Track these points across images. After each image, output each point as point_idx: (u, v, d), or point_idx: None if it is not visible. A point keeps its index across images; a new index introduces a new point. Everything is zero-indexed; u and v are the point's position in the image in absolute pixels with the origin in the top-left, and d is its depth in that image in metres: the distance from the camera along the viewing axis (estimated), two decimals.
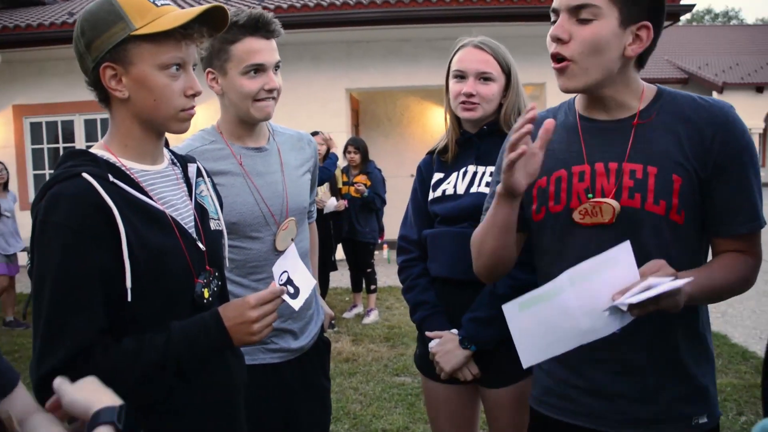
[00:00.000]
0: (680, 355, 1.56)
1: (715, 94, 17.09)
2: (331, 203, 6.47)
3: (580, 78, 1.47)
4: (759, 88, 20.52)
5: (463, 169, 2.18)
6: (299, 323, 2.15)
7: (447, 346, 2.08)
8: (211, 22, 1.43)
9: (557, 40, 1.46)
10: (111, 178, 1.34)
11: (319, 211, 6.35)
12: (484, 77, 2.10)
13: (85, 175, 1.30)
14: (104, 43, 1.35)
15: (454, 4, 8.92)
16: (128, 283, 1.29)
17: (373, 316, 6.60)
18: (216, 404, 1.48)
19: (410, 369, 4.91)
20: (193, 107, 1.46)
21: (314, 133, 6.62)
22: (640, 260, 1.35)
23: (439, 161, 2.27)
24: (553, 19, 1.50)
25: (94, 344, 1.28)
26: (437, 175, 2.25)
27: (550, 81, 9.66)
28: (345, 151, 6.79)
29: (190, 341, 1.35)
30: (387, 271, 8.57)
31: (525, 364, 1.46)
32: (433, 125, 12.31)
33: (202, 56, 2.01)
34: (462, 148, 2.21)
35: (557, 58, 1.48)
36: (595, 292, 1.34)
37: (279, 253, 2.06)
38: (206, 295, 1.44)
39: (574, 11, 1.44)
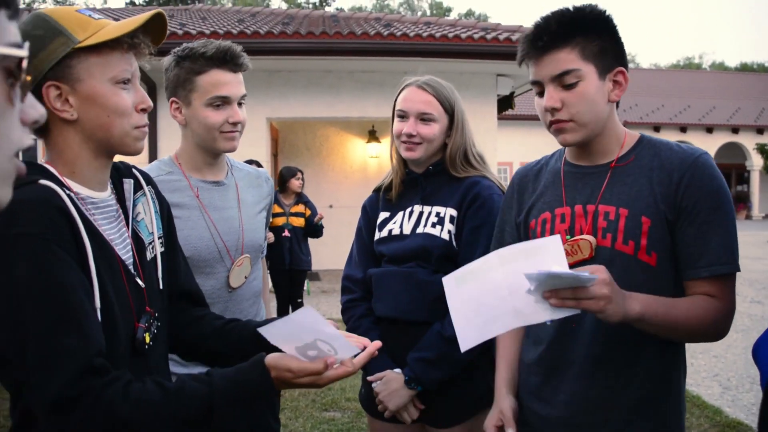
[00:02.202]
0: (647, 387, 1.58)
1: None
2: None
3: (579, 132, 1.58)
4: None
5: (409, 209, 2.19)
6: None
7: (391, 386, 2.07)
8: (153, 34, 1.34)
9: (552, 110, 1.56)
10: (66, 191, 1.21)
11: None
12: (425, 118, 2.11)
13: (43, 181, 1.18)
14: (44, 61, 1.22)
15: (378, 38, 9.04)
16: (97, 302, 1.17)
17: None
18: None
19: (339, 403, 4.86)
20: (146, 124, 1.36)
21: (250, 162, 6.63)
22: None
23: (384, 200, 2.28)
24: (536, 90, 1.60)
25: (100, 366, 1.13)
26: (383, 215, 2.25)
27: (468, 116, 9.86)
28: (292, 177, 6.74)
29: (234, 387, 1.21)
30: (308, 302, 8.47)
31: (463, 348, 1.50)
32: (353, 157, 12.38)
33: (166, 85, 1.97)
34: (407, 187, 2.22)
35: (555, 123, 1.58)
36: (522, 274, 1.35)
37: (232, 290, 2.01)
38: (147, 339, 1.32)
39: (558, 79, 1.55)
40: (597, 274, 1.35)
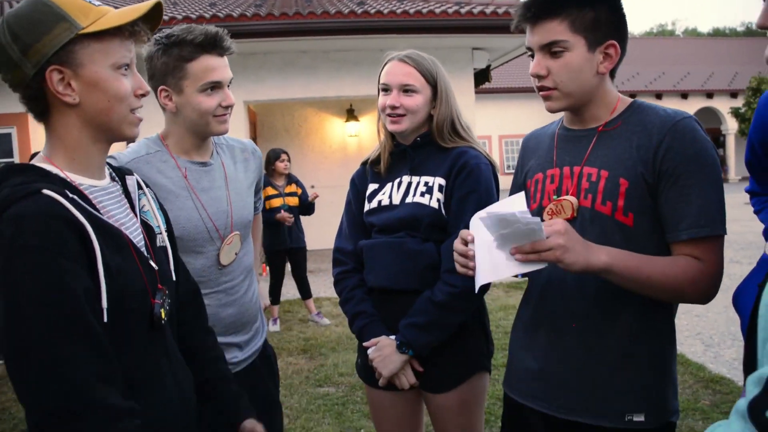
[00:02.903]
0: (625, 345, 1.63)
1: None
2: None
3: (563, 100, 1.65)
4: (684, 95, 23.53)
5: (397, 180, 2.23)
6: (244, 336, 2.15)
7: (384, 351, 2.12)
8: (150, 21, 1.39)
9: (537, 76, 1.64)
10: (69, 195, 1.24)
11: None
12: (407, 89, 2.15)
13: (45, 191, 1.20)
14: (47, 46, 1.26)
15: (352, 17, 9.01)
16: (104, 303, 1.22)
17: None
18: (169, 427, 1.41)
19: (332, 379, 4.94)
20: (140, 108, 1.41)
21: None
22: None
23: (373, 172, 2.32)
24: (528, 54, 1.69)
25: (111, 379, 1.19)
26: (372, 186, 2.29)
27: None
28: (277, 160, 6.73)
29: None
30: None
31: (478, 284, 1.60)
32: (332, 137, 12.38)
33: (152, 74, 1.98)
34: (396, 159, 2.26)
35: (541, 89, 1.65)
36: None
37: (223, 267, 2.06)
38: (162, 315, 1.40)
39: (546, 48, 1.62)
40: (553, 225, 1.44)
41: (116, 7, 1.39)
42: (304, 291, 6.88)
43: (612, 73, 1.71)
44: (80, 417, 1.14)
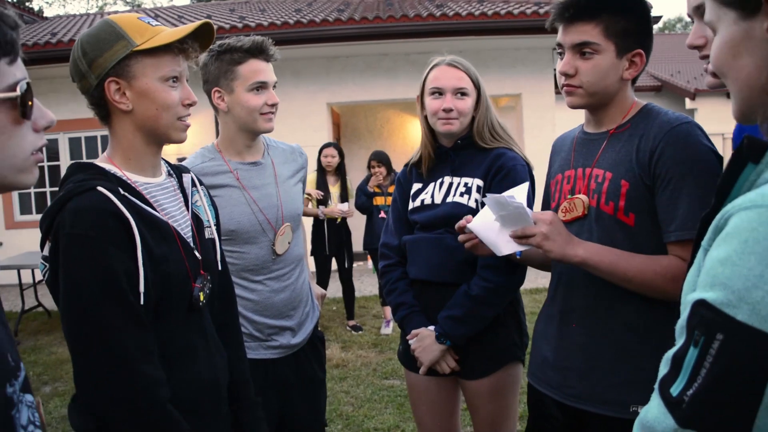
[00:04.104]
0: (626, 338, 1.70)
1: (687, 101, 17.32)
2: (343, 207, 6.51)
3: (584, 98, 1.75)
4: (729, 95, 21.14)
5: (439, 180, 2.34)
6: (297, 320, 2.34)
7: (425, 342, 2.25)
8: (201, 39, 1.57)
9: (565, 74, 1.73)
10: (121, 191, 1.43)
11: (333, 219, 6.51)
12: (461, 93, 2.26)
13: (100, 188, 1.39)
14: (107, 60, 1.46)
15: (431, 20, 9.14)
16: (141, 287, 1.40)
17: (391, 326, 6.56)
18: (199, 400, 1.57)
19: (398, 372, 5.09)
20: (188, 116, 1.59)
21: (327, 145, 6.80)
22: None
23: (416, 173, 2.44)
24: (558, 50, 1.77)
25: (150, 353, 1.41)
26: (416, 186, 2.42)
27: (525, 92, 9.93)
28: (369, 166, 6.68)
29: None
30: (373, 280, 8.74)
31: (503, 253, 1.80)
32: (413, 137, 12.49)
33: (207, 79, 2.23)
34: (438, 160, 2.37)
35: (567, 86, 1.75)
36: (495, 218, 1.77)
37: (278, 256, 2.26)
38: (201, 298, 1.58)
39: (577, 48, 1.71)
40: (542, 215, 1.61)
41: (174, 24, 1.59)
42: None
43: (634, 81, 1.78)
44: (123, 381, 1.36)
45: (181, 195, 1.68)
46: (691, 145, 1.61)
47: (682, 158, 1.60)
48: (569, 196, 1.80)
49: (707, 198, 1.58)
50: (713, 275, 0.76)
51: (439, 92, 2.27)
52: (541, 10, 9.06)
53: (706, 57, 1.48)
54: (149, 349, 1.42)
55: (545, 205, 1.98)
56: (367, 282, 8.26)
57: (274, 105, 2.24)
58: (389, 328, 6.51)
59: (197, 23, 1.52)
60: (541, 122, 9.88)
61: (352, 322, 6.71)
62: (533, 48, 9.67)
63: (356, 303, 7.03)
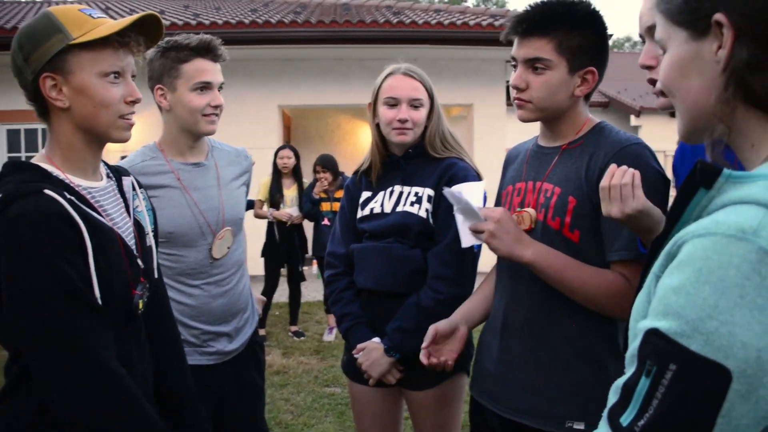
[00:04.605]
0: (566, 352, 1.69)
1: (632, 118, 17.75)
2: (292, 211, 6.36)
3: (534, 113, 1.74)
4: (673, 113, 22.03)
5: (390, 189, 2.31)
6: (233, 326, 2.28)
7: (372, 355, 2.20)
8: (148, 33, 1.50)
9: (516, 88, 1.73)
10: (67, 195, 1.36)
11: (283, 223, 6.36)
12: (416, 103, 2.23)
13: (47, 191, 1.32)
14: (43, 55, 1.38)
15: (387, 26, 9.14)
16: (97, 293, 1.36)
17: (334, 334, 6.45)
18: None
19: (340, 380, 5.03)
20: (132, 114, 1.51)
21: (283, 147, 6.69)
22: None
23: (366, 180, 2.41)
24: (512, 63, 1.77)
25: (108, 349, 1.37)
26: (365, 194, 2.38)
27: (477, 102, 10.01)
28: (314, 171, 6.40)
29: None
30: (317, 286, 8.67)
31: (464, 244, 1.86)
32: (364, 143, 12.46)
33: (151, 75, 2.16)
34: (388, 169, 2.34)
35: (517, 100, 1.74)
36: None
37: (214, 260, 2.20)
38: (141, 306, 1.53)
39: (530, 62, 1.70)
40: (492, 212, 1.63)
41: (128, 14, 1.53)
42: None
43: (587, 97, 1.78)
44: (92, 377, 1.32)
45: (122, 199, 1.61)
46: (640, 167, 1.58)
47: None
48: (518, 209, 1.80)
49: None
50: (666, 304, 0.74)
51: (394, 102, 2.24)
52: (496, 23, 9.17)
53: (653, 81, 1.48)
54: (110, 346, 1.39)
55: None
56: (311, 287, 8.17)
57: (217, 107, 2.18)
58: (332, 335, 6.43)
59: (138, 15, 1.45)
60: (492, 133, 9.96)
61: (294, 328, 6.61)
62: (487, 59, 9.76)
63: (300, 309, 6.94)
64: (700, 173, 0.80)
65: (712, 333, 0.69)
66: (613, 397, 0.81)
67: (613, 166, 1.43)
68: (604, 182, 1.43)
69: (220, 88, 2.20)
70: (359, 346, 2.24)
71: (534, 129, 1.88)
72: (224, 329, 2.24)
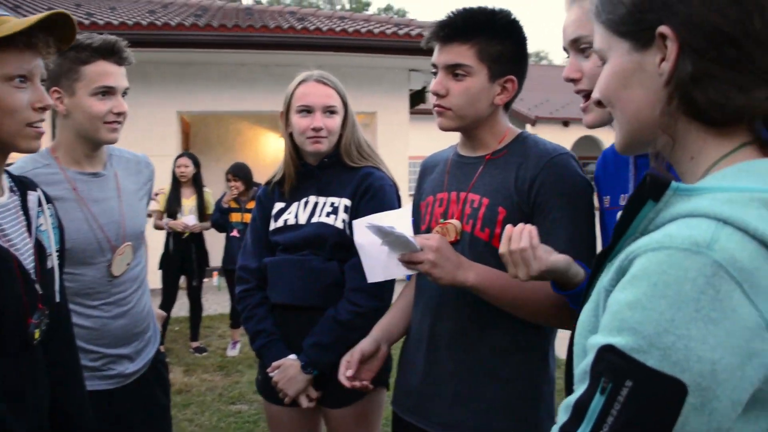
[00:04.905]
0: (493, 362, 1.67)
1: (528, 127, 18.46)
2: (188, 220, 6.06)
3: (454, 121, 1.70)
4: (565, 123, 23.27)
5: (304, 200, 2.23)
6: (134, 347, 2.12)
7: (288, 373, 2.11)
8: (58, 34, 1.37)
9: (436, 94, 1.69)
10: None
11: (179, 234, 6.06)
12: (330, 111, 2.17)
13: None
14: None
15: (291, 32, 9.03)
16: None
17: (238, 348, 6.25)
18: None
19: (246, 396, 4.87)
20: (42, 122, 1.37)
21: (181, 155, 6.44)
22: None
23: (279, 191, 2.32)
24: (433, 70, 1.73)
25: None
26: (278, 205, 2.29)
27: (381, 110, 10.04)
28: (226, 179, 6.15)
29: None
30: (218, 299, 8.41)
31: (369, 280, 1.80)
32: (266, 151, 12.27)
33: (47, 75, 1.95)
34: (302, 179, 2.26)
35: (437, 107, 1.70)
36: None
37: (114, 278, 2.02)
38: (36, 335, 1.38)
39: (450, 69, 1.67)
40: (428, 240, 1.54)
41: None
42: (236, 318, 6.18)
43: (507, 106, 1.77)
44: None
45: (24, 217, 1.44)
46: (569, 177, 1.64)
47: (560, 190, 1.62)
48: (441, 220, 1.76)
49: (586, 229, 1.62)
50: (621, 319, 0.73)
51: (307, 110, 2.17)
52: (401, 32, 9.25)
53: (581, 92, 1.47)
54: None
55: (415, 228, 1.90)
56: (212, 300, 7.90)
57: (120, 114, 2.01)
58: (236, 350, 6.22)
59: (46, 13, 1.30)
60: (395, 140, 10.02)
61: (195, 344, 6.33)
62: (391, 68, 9.81)
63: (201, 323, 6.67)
64: (650, 186, 0.80)
65: (669, 347, 0.69)
66: (563, 415, 0.79)
67: (508, 228, 1.39)
68: (502, 249, 1.39)
69: (124, 93, 2.04)
70: (274, 363, 2.14)
71: (440, 137, 1.85)
72: (125, 351, 2.09)
